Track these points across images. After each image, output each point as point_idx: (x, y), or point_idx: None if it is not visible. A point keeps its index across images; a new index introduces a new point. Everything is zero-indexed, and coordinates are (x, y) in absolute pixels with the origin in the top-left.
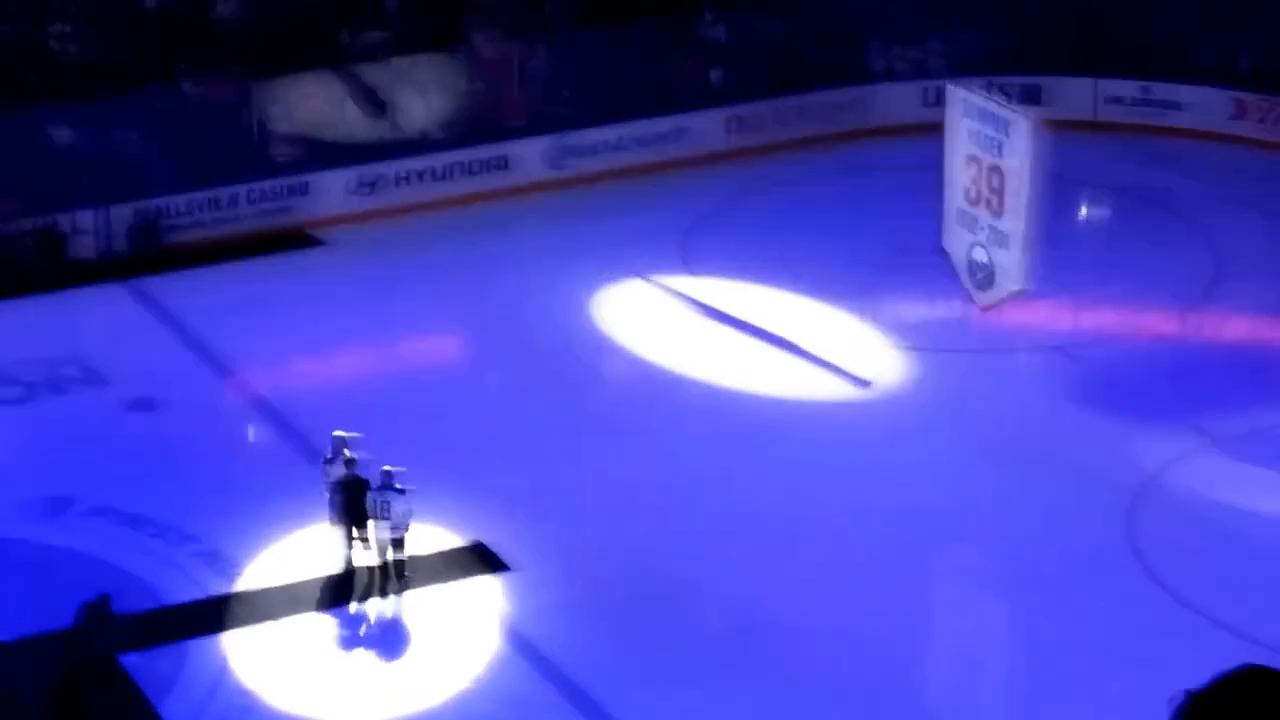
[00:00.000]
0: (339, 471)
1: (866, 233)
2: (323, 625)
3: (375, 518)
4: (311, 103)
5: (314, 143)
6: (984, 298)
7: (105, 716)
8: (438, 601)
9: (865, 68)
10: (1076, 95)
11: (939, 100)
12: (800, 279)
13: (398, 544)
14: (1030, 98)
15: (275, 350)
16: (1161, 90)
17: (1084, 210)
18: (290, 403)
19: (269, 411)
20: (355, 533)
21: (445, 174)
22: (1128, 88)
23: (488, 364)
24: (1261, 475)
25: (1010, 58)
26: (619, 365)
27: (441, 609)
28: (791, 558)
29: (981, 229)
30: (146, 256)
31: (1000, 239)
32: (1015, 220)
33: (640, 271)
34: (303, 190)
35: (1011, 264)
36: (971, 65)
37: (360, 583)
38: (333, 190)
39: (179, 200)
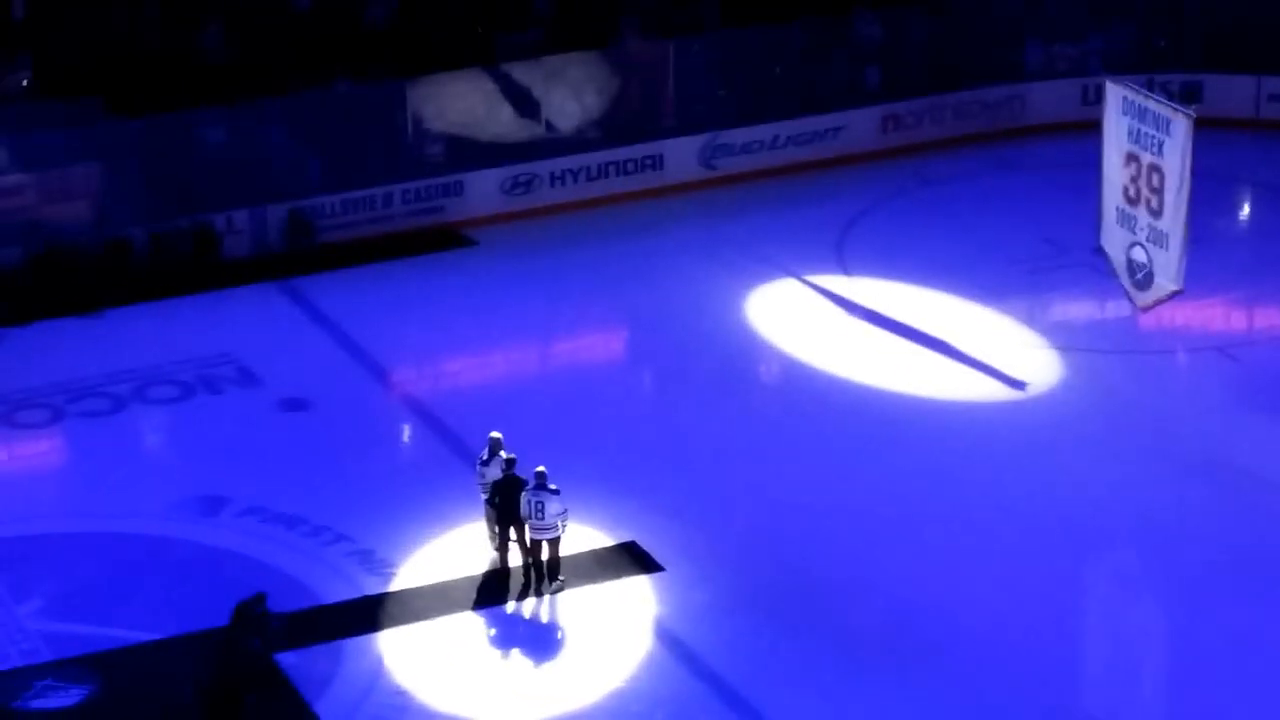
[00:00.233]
0: (495, 472)
1: (1022, 232)
2: (477, 625)
3: (529, 518)
4: (464, 103)
5: (467, 142)
6: (1143, 298)
7: (264, 718)
8: (591, 601)
9: (1022, 65)
10: (1238, 93)
11: (1097, 98)
12: (955, 278)
13: (552, 544)
14: (1190, 95)
15: (428, 350)
16: None
17: (1244, 209)
18: (443, 402)
19: (422, 411)
20: (511, 533)
21: (598, 173)
22: None
23: (640, 363)
24: None
25: (1170, 55)
26: (772, 364)
27: (594, 609)
28: (945, 559)
29: (1141, 228)
30: (300, 256)
31: (1159, 238)
32: (1174, 220)
33: (793, 271)
34: (456, 190)
35: (1170, 264)
36: (1130, 63)
37: (514, 583)
38: (486, 190)
39: (332, 200)
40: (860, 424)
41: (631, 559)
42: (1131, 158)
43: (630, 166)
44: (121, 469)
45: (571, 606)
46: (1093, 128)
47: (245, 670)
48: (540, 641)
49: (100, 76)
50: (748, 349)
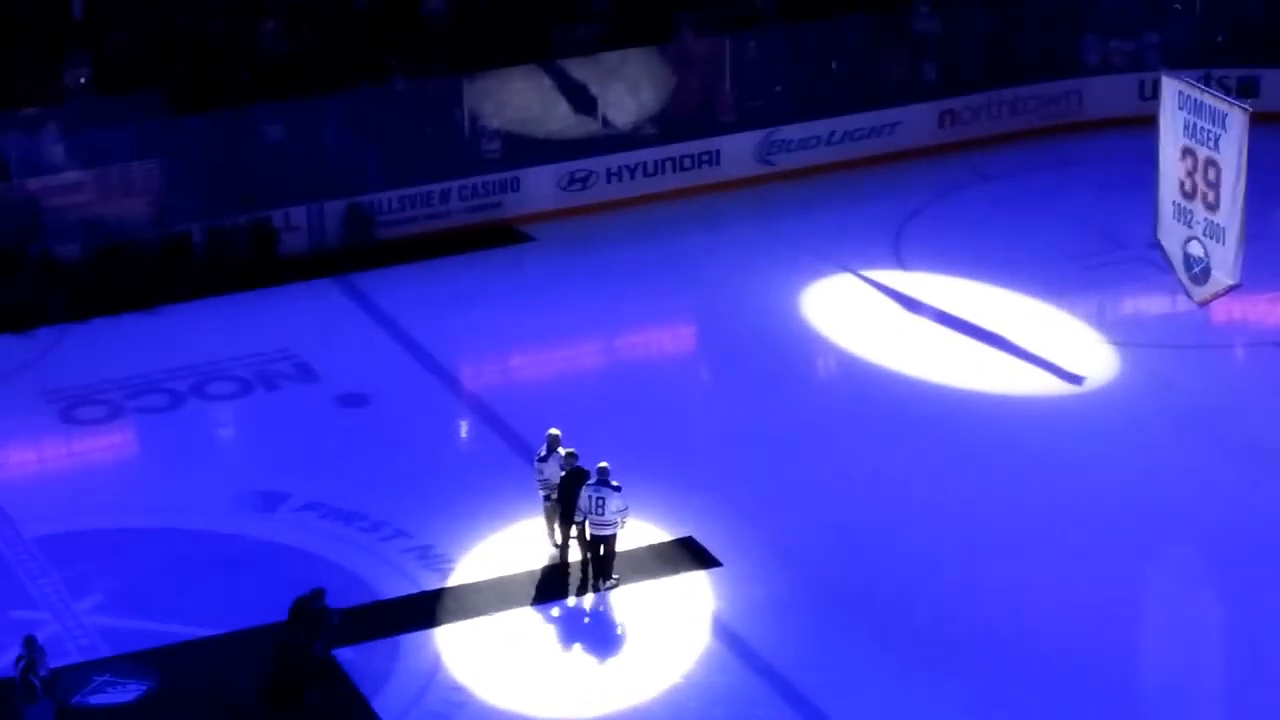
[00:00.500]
0: (553, 469)
1: (1080, 227)
2: (534, 621)
3: (590, 513)
4: (522, 99)
5: (524, 139)
6: (1200, 292)
7: (323, 713)
8: (648, 597)
9: (1079, 61)
10: None
11: (1154, 94)
12: (1012, 274)
13: (608, 541)
14: (1248, 90)
15: (486, 345)
16: None
17: None
18: (501, 398)
19: (480, 406)
20: (570, 528)
21: (655, 169)
22: None
23: (697, 359)
24: None
25: (1227, 50)
26: (829, 360)
27: (652, 604)
28: (1002, 554)
29: (1197, 223)
30: (358, 252)
31: (1216, 233)
32: (1231, 214)
33: (851, 267)
34: (514, 186)
35: (1227, 258)
36: (1187, 58)
37: (572, 578)
38: (543, 186)
39: (390, 196)
40: (918, 420)
41: (689, 554)
42: (1187, 152)
43: (687, 162)
44: (180, 465)
45: (629, 602)
46: (1150, 123)
47: (304, 665)
48: (598, 637)
49: (159, 73)
50: (805, 345)
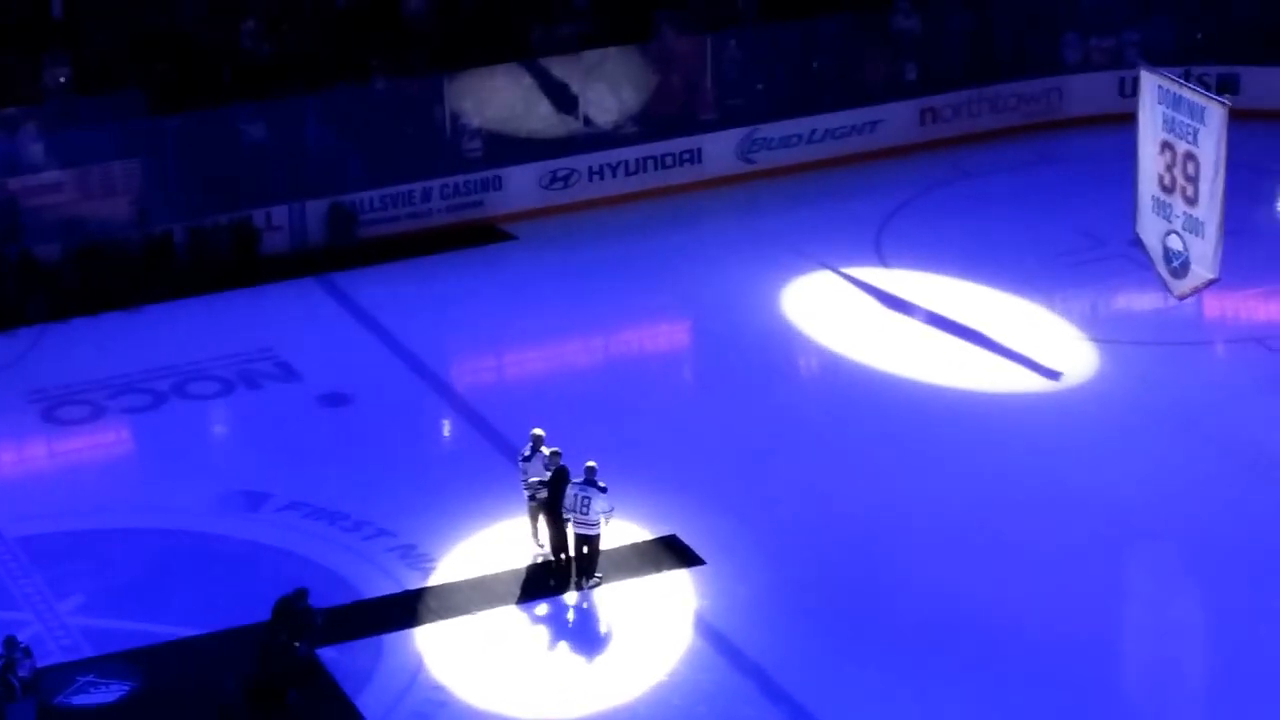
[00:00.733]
0: (537, 468)
1: (1060, 224)
2: (517, 620)
3: (573, 512)
4: (503, 98)
5: (505, 137)
6: (1179, 286)
7: (306, 713)
8: (632, 595)
9: (1059, 58)
10: (1275, 85)
11: (1134, 91)
12: (993, 271)
13: (591, 541)
14: (1228, 87)
15: (468, 344)
16: None
17: None
18: (483, 396)
19: (462, 405)
20: (550, 527)
21: (637, 168)
22: None
23: (680, 358)
24: None
25: (1207, 47)
26: (811, 358)
27: (636, 603)
28: (985, 551)
29: (1176, 217)
30: (340, 252)
31: (1195, 227)
32: (1210, 208)
33: (832, 264)
34: (495, 185)
35: (1206, 252)
36: (1168, 55)
37: (555, 577)
38: (525, 185)
39: (371, 195)
40: (899, 417)
41: (673, 553)
42: (1166, 146)
43: (669, 161)
44: (161, 465)
45: (613, 600)
46: (1130, 120)
47: (287, 665)
48: (581, 636)
49: (139, 72)
50: (787, 343)
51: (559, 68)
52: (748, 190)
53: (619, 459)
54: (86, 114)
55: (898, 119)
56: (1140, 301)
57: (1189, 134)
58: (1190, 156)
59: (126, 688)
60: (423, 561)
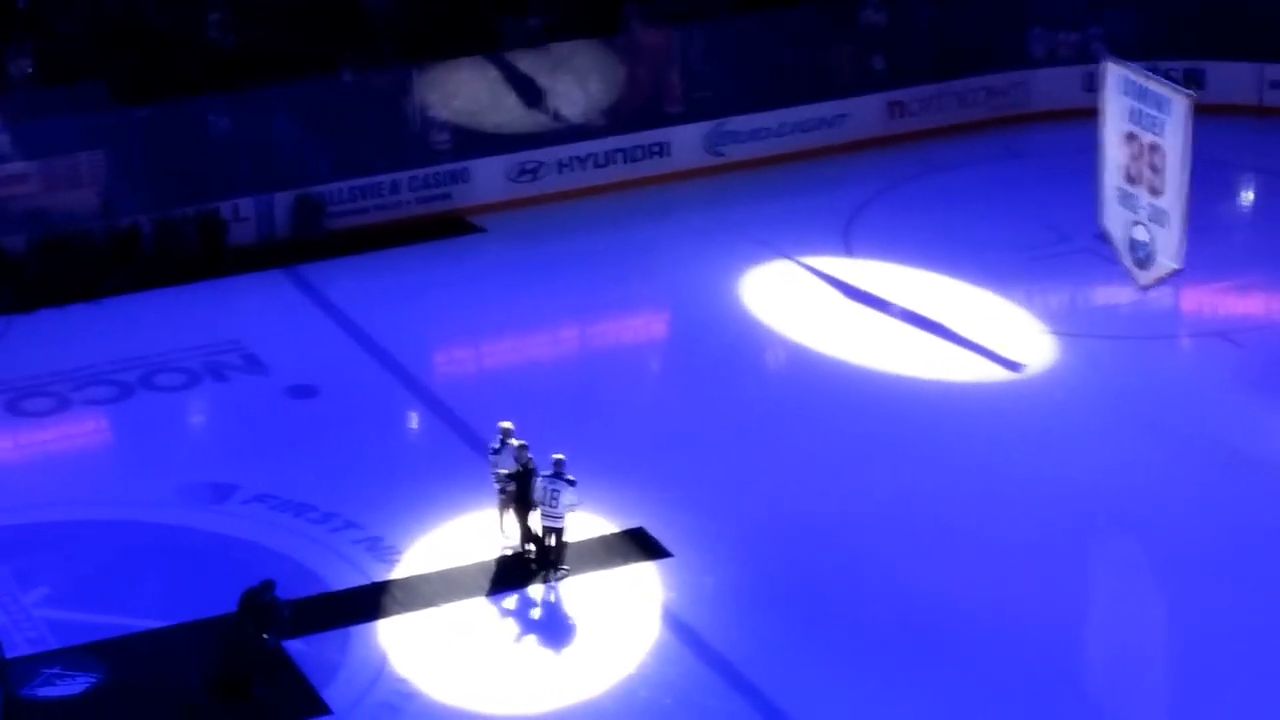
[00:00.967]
0: (507, 460)
1: (1026, 218)
2: (484, 612)
3: (542, 504)
4: (471, 90)
5: (473, 130)
6: (1144, 276)
7: (272, 705)
8: (599, 588)
9: (1025, 53)
10: (1240, 80)
11: (1100, 85)
12: (959, 265)
13: (558, 533)
14: (1193, 82)
15: (436, 336)
16: None
17: (1248, 196)
18: (451, 388)
19: (429, 397)
20: (520, 519)
21: (605, 160)
22: None
23: (647, 350)
24: None
25: (1172, 42)
26: (779, 351)
27: (603, 595)
28: (950, 543)
29: (1142, 207)
30: (307, 243)
31: (1160, 217)
32: (1175, 199)
33: (799, 257)
34: (463, 177)
35: (1171, 243)
36: (1133, 50)
37: (522, 569)
38: (493, 177)
39: (339, 187)
40: (866, 410)
41: (639, 545)
42: (1131, 137)
43: (636, 153)
44: (128, 457)
45: (580, 592)
46: (1095, 114)
47: (253, 657)
48: (548, 627)
49: (104, 64)
50: (755, 335)
51: (527, 60)
52: (715, 183)
53: (586, 451)
54: (51, 105)
55: (865, 112)
56: (1105, 296)
57: (1154, 125)
58: (1155, 148)
59: (92, 680)
60: (390, 554)
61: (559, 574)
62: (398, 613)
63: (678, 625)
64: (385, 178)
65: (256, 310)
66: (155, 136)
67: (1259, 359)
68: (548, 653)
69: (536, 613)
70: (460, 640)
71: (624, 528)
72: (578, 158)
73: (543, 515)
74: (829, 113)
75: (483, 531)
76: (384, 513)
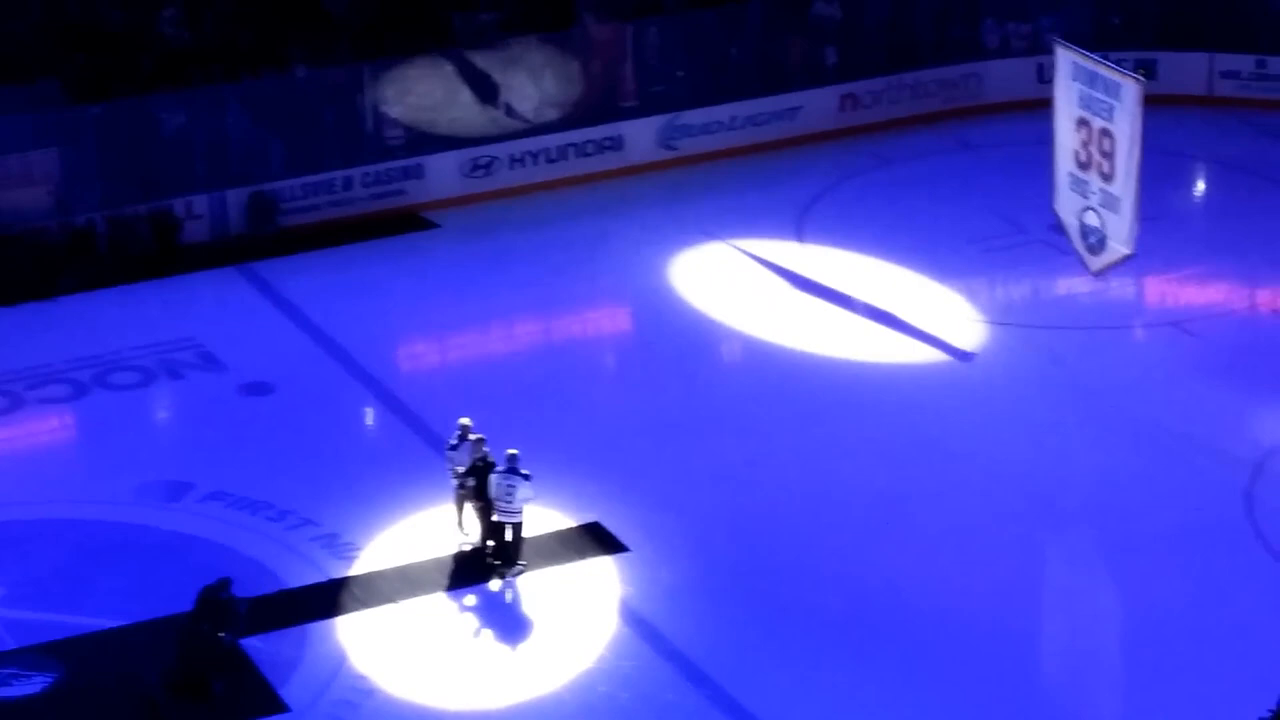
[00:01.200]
0: (463, 457)
1: (980, 210)
2: (442, 608)
3: (498, 500)
4: (424, 86)
5: (426, 126)
6: (1096, 262)
7: (230, 703)
8: (556, 582)
9: (978, 44)
10: (1190, 70)
11: (1053, 76)
12: (913, 257)
13: (514, 528)
14: (1144, 73)
15: (391, 332)
16: (1277, 65)
17: (1199, 185)
18: (406, 385)
19: (385, 394)
20: (480, 515)
21: (558, 155)
22: (1242, 62)
23: (602, 344)
24: None
25: (1124, 33)
26: (734, 344)
27: (559, 590)
28: (904, 533)
29: (1093, 193)
30: (261, 240)
31: (1111, 203)
32: (1125, 184)
33: (754, 250)
34: (416, 173)
35: (1122, 228)
36: (1085, 40)
37: (480, 565)
38: (446, 173)
39: (293, 184)
40: (821, 402)
41: (596, 540)
42: (1083, 123)
43: (590, 148)
44: (83, 455)
45: (537, 587)
46: (1048, 105)
47: (210, 655)
48: (506, 623)
49: (57, 61)
50: (709, 328)
51: (480, 56)
52: (669, 177)
53: (542, 446)
54: (4, 103)
55: (818, 105)
56: (1059, 287)
57: (1105, 111)
58: (1106, 133)
59: (49, 679)
60: (347, 550)
61: (516, 569)
62: (355, 610)
63: (635, 619)
64: (339, 174)
65: (211, 308)
66: (109, 134)
67: (1212, 348)
68: (506, 648)
69: (494, 608)
70: (418, 637)
71: (580, 522)
72: (531, 153)
73: (499, 511)
74: (782, 106)
75: (440, 528)
76: (341, 509)
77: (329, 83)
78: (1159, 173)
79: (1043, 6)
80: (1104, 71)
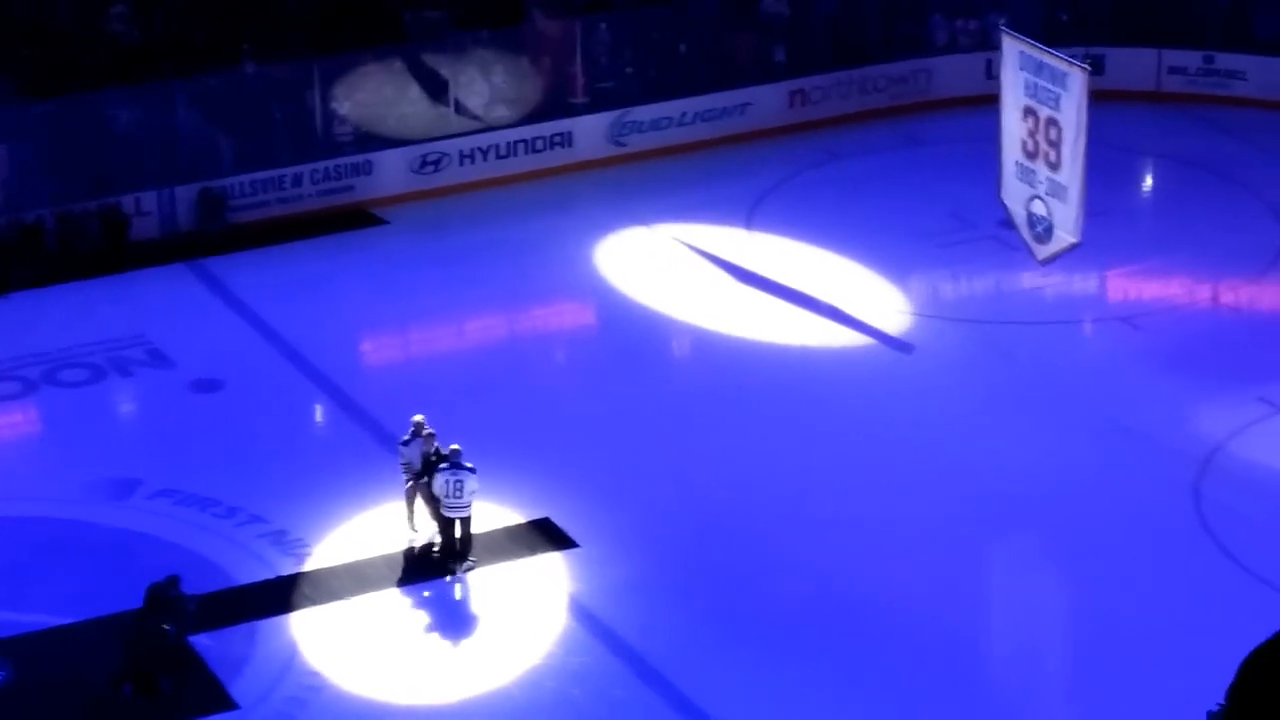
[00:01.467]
0: (414, 453)
1: (929, 206)
2: (392, 605)
3: (446, 496)
4: (373, 82)
5: (375, 122)
6: (1042, 251)
7: (179, 700)
8: (505, 579)
9: (926, 41)
10: (1139, 66)
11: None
12: (862, 251)
13: (464, 523)
14: (1093, 68)
15: (340, 329)
16: (1224, 60)
17: (1147, 181)
18: (355, 381)
19: (334, 390)
20: (428, 511)
21: (508, 151)
22: (1190, 58)
23: (551, 341)
24: None
25: (1072, 28)
26: (683, 339)
27: (509, 586)
28: (856, 529)
29: (1040, 182)
30: (210, 237)
31: (1058, 191)
32: (1072, 173)
33: (703, 246)
34: (365, 169)
35: (1069, 217)
36: (1033, 36)
37: (429, 562)
38: (395, 169)
39: (242, 180)
40: (772, 397)
41: (546, 536)
42: (1029, 112)
43: (539, 144)
44: (31, 453)
45: (486, 584)
46: (997, 101)
47: (159, 653)
48: (455, 619)
49: (5, 58)
50: (658, 324)
51: (429, 52)
52: (619, 173)
53: (492, 442)
54: None
55: (767, 101)
56: (1008, 282)
57: (1051, 100)
58: (1052, 122)
59: None
60: (296, 547)
61: (466, 565)
62: (305, 606)
63: (585, 616)
64: (288, 170)
65: (160, 305)
66: (57, 130)
67: (1160, 343)
68: (456, 644)
69: (444, 604)
70: (368, 633)
71: (530, 518)
72: (480, 149)
73: (446, 508)
74: (731, 102)
75: (390, 524)
76: (290, 506)
77: (278, 79)
78: (1108, 168)
79: (991, 2)
80: (1050, 60)
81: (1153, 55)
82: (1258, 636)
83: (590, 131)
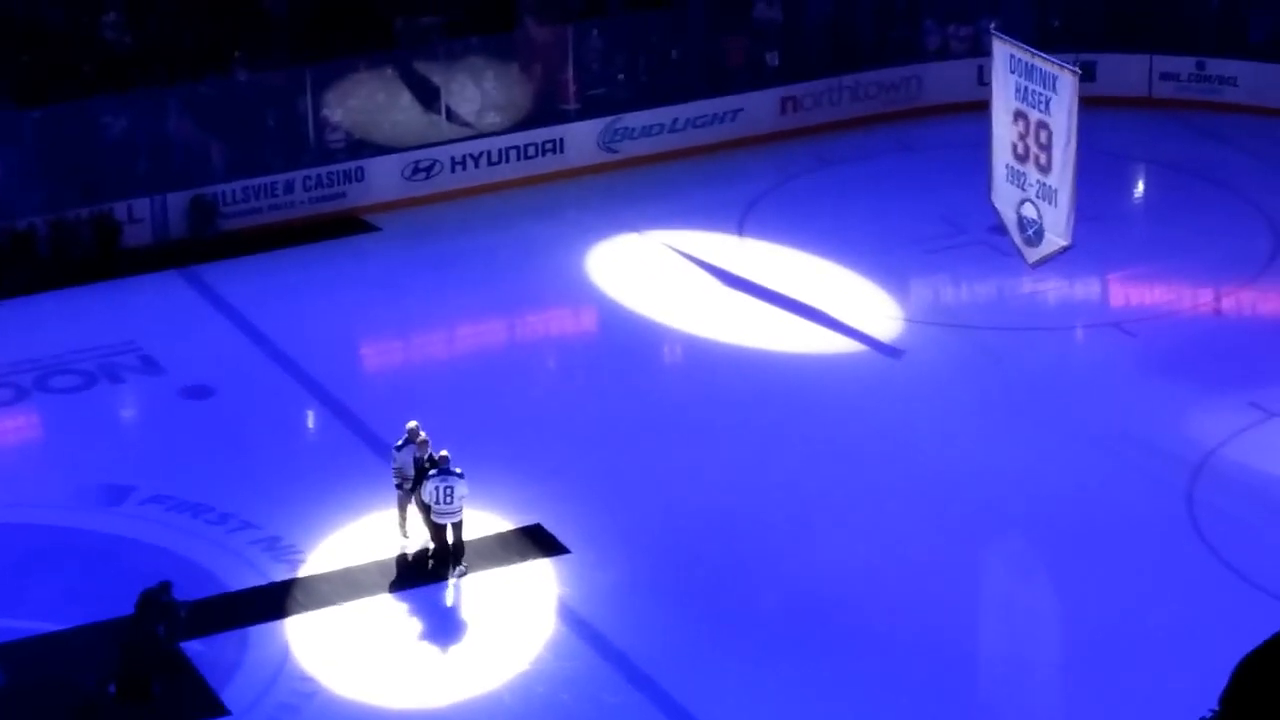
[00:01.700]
0: (406, 458)
1: (920, 211)
2: (383, 610)
3: (437, 502)
4: (365, 89)
5: (368, 128)
6: (1033, 254)
7: (171, 706)
8: (496, 584)
9: (918, 47)
10: (1130, 72)
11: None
12: (854, 257)
13: (456, 528)
14: (1084, 75)
15: (332, 336)
16: (1216, 66)
17: (1139, 187)
18: (347, 388)
19: (326, 397)
20: (422, 518)
21: (499, 158)
22: (1182, 64)
23: (543, 347)
24: None
25: (1064, 34)
26: (675, 345)
27: (500, 592)
28: (846, 535)
29: (1030, 185)
30: (202, 244)
31: (1048, 194)
32: (1062, 176)
33: (695, 252)
34: (357, 176)
35: (1059, 220)
36: (1025, 41)
37: (421, 567)
38: (387, 176)
39: (234, 187)
40: (763, 403)
41: (536, 542)
42: (1020, 115)
43: (531, 151)
44: (24, 459)
45: (477, 589)
46: (988, 107)
47: (151, 659)
48: (447, 625)
49: None
50: (651, 331)
51: (421, 59)
52: (610, 179)
53: (483, 448)
54: None
55: (759, 107)
56: (1000, 288)
57: (1041, 103)
58: (1043, 125)
59: None
60: (288, 554)
61: (458, 571)
62: (297, 612)
63: (575, 621)
64: (280, 177)
65: (152, 311)
66: (49, 137)
67: (1152, 348)
68: (447, 649)
69: (436, 610)
70: (360, 639)
71: (521, 524)
72: (472, 156)
73: (438, 514)
74: (723, 108)
75: (382, 531)
76: (282, 512)
77: (270, 86)
78: (1099, 174)
79: (983, 8)
80: (1040, 64)
81: (1144, 61)
82: (1251, 642)
83: (582, 138)
